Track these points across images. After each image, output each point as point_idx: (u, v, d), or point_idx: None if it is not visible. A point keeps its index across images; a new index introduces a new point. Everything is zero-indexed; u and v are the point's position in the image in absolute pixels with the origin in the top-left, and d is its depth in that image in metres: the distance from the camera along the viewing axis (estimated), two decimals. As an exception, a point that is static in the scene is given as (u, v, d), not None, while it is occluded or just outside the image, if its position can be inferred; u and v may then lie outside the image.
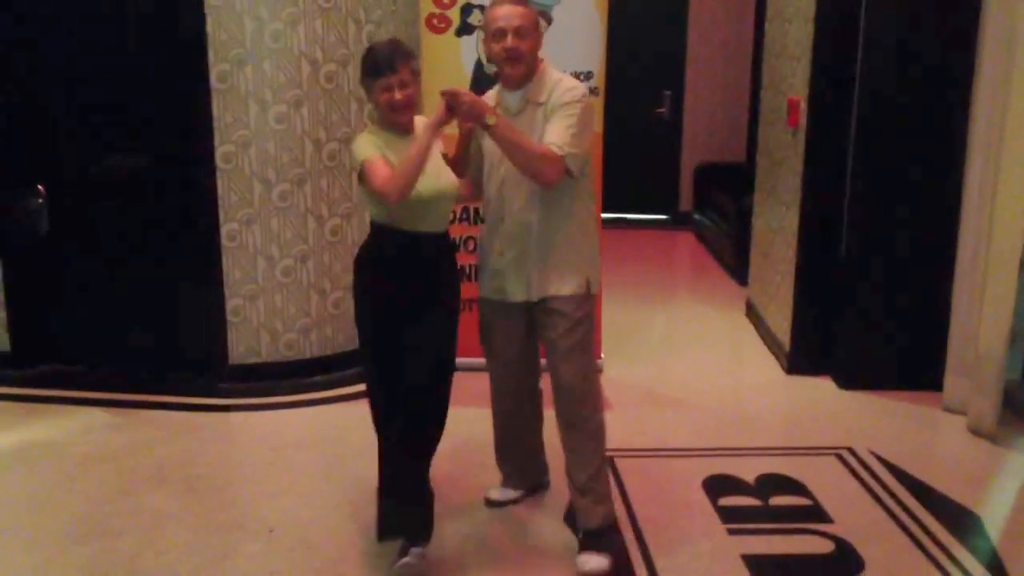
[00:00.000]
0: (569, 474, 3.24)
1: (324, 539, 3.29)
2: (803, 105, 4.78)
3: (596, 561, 3.09)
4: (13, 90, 4.72)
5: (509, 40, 3.01)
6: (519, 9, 3.05)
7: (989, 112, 4.11)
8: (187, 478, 3.75)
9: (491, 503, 3.57)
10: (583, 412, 3.21)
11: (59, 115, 4.77)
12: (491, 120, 2.89)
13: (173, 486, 3.67)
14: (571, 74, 4.70)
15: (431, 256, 3.06)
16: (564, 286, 3.12)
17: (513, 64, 3.05)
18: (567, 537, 3.28)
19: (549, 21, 4.66)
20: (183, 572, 3.08)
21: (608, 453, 3.91)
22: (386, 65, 2.92)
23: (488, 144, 3.12)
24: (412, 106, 3.00)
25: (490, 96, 3.19)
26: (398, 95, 2.93)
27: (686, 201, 8.79)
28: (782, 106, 5.16)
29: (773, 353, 5.25)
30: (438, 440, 3.08)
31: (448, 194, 3.06)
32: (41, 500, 3.58)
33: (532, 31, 3.06)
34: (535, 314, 3.19)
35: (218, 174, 4.53)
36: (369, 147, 2.94)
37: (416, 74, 3.01)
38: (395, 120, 3.00)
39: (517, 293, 3.17)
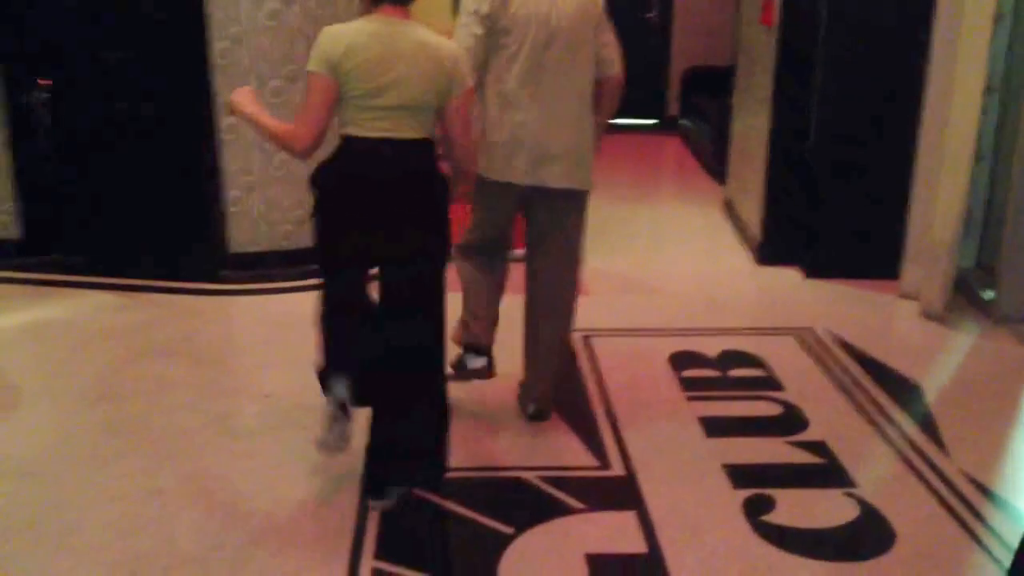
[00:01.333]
0: None
1: (317, 402, 3.58)
2: (777, 3, 4.94)
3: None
4: None
5: None
6: None
7: (949, 13, 4.28)
8: (191, 351, 4.05)
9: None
10: None
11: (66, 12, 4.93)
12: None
13: (178, 358, 3.98)
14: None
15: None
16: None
17: None
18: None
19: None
20: (191, 428, 3.39)
21: (584, 333, 4.25)
22: None
23: None
24: None
25: None
26: None
27: (674, 106, 8.94)
28: (759, 5, 5.32)
29: (746, 246, 5.52)
30: None
31: None
32: (56, 369, 3.89)
33: None
34: None
35: (215, 72, 4.72)
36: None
37: None
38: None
39: None
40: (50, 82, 4.90)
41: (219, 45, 4.69)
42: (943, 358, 4.11)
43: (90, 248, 5.12)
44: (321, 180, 2.79)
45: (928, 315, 4.46)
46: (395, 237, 2.76)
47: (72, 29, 4.93)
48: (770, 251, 5.20)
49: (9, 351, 4.06)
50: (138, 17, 4.88)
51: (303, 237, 5.05)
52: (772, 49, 4.99)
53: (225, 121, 4.79)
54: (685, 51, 8.78)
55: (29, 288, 4.80)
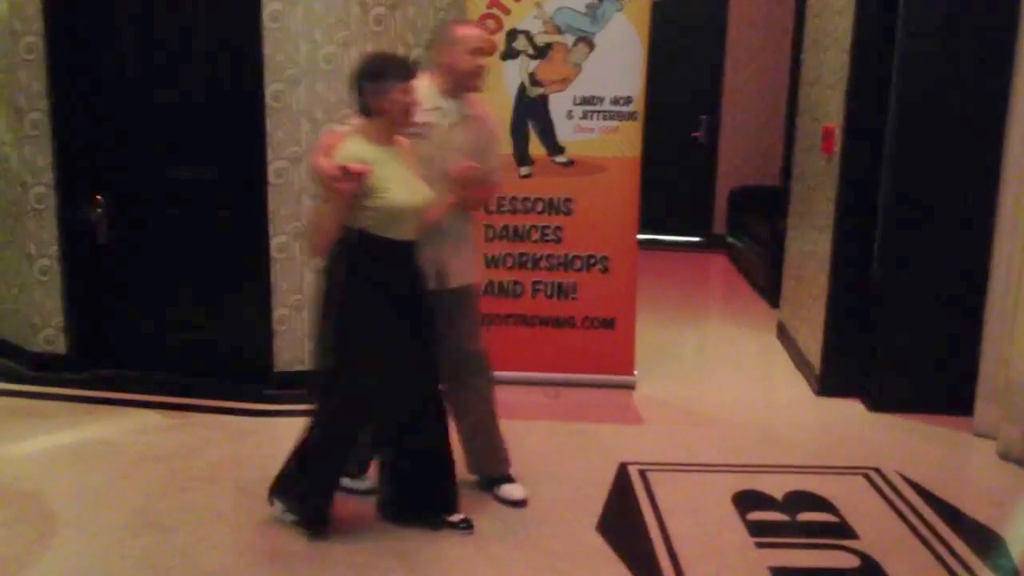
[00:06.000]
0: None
1: (371, 537, 3.44)
2: (838, 133, 4.89)
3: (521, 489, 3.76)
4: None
5: (483, 59, 3.51)
6: (486, 34, 3.68)
7: (1022, 142, 4.20)
8: (237, 478, 3.90)
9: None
10: None
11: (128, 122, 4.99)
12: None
13: (224, 485, 3.84)
14: (610, 99, 4.91)
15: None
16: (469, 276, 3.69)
17: (481, 79, 3.56)
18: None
19: (591, 47, 4.83)
20: (235, 566, 3.24)
21: (640, 466, 4.10)
22: (412, 71, 3.22)
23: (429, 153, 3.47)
24: None
25: (423, 96, 3.41)
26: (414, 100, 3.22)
27: (720, 224, 8.89)
28: (817, 133, 5.28)
29: (804, 374, 5.34)
30: None
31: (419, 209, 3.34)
32: (98, 495, 3.76)
33: None
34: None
35: (269, 189, 4.73)
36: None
37: None
38: (403, 124, 3.27)
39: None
40: (101, 197, 4.91)
41: (276, 164, 4.70)
42: (1026, 506, 3.88)
43: (136, 364, 5.06)
44: None
45: (1006, 457, 4.23)
46: None
47: (133, 145, 4.97)
48: (830, 381, 5.01)
49: (50, 474, 3.94)
50: (200, 137, 4.91)
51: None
52: (834, 176, 4.92)
53: (276, 240, 4.77)
54: (732, 170, 8.78)
55: (73, 405, 4.72)
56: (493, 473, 3.80)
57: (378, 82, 3.18)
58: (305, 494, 3.46)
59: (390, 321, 3.29)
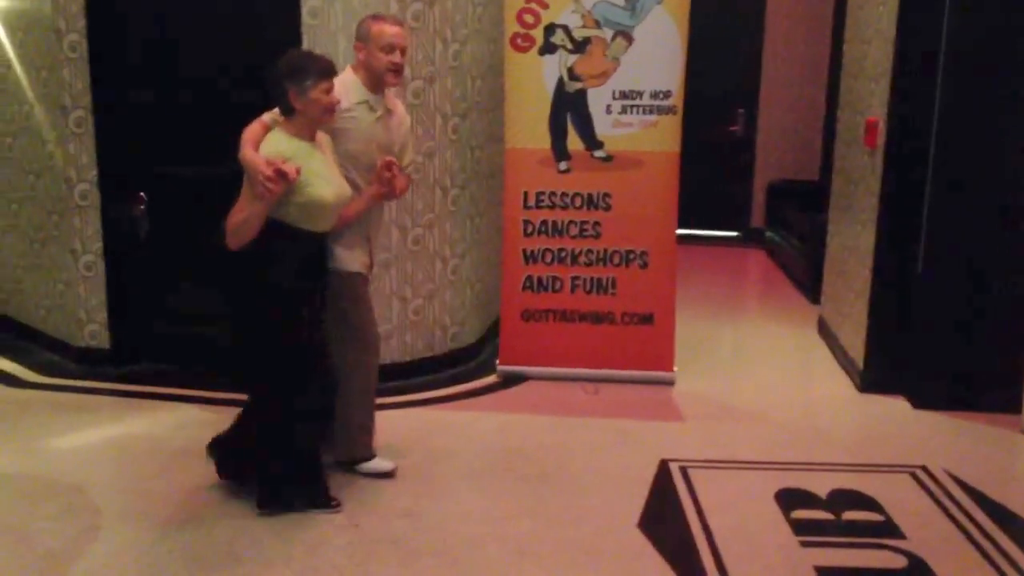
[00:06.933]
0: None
1: (410, 534, 3.44)
2: (881, 126, 4.82)
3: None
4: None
5: (398, 56, 3.57)
6: (404, 30, 3.66)
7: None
8: (277, 473, 3.92)
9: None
10: None
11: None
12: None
13: (264, 480, 3.86)
14: (649, 93, 4.88)
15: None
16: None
17: (396, 76, 3.64)
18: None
19: (630, 41, 4.80)
20: (277, 560, 3.25)
21: (681, 463, 4.07)
22: (332, 69, 3.30)
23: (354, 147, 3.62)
24: None
25: (349, 90, 3.56)
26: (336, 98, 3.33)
27: (758, 218, 8.81)
28: (859, 126, 5.20)
29: (846, 371, 5.28)
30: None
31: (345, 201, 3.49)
32: (142, 489, 3.80)
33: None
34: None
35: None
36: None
37: None
38: (323, 122, 3.36)
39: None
40: (144, 194, 4.95)
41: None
42: (1077, 506, 3.80)
43: (177, 360, 5.11)
44: None
45: (1054, 455, 4.17)
46: None
47: (175, 143, 5.01)
48: (873, 378, 4.94)
49: (95, 468, 3.99)
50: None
51: (387, 352, 4.98)
52: (876, 170, 4.85)
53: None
54: (770, 164, 8.69)
55: (117, 400, 4.77)
56: (352, 457, 3.88)
57: (298, 81, 3.23)
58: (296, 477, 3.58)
59: (313, 311, 3.45)
